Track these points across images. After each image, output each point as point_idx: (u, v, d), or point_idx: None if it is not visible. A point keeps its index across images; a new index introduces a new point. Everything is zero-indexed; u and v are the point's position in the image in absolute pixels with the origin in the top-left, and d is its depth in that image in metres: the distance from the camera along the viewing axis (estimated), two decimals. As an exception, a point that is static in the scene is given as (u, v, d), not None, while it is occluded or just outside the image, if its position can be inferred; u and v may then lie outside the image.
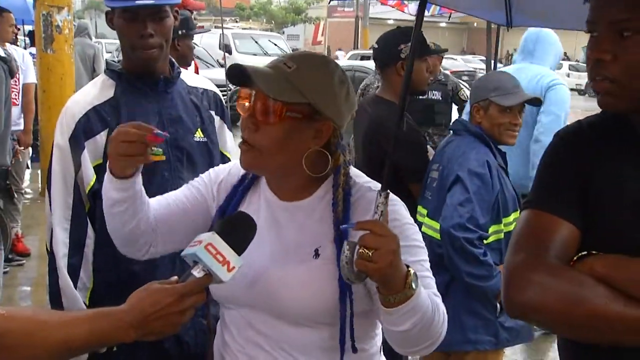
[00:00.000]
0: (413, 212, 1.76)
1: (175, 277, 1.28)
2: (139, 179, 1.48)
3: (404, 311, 1.27)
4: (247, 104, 1.41)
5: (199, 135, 2.11)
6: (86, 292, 2.04)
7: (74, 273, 2.01)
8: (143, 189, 1.51)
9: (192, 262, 1.28)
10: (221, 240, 1.27)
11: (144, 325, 1.23)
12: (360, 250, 1.22)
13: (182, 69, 2.19)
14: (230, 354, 1.51)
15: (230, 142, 2.24)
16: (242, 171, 1.57)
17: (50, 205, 2.02)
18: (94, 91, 2.06)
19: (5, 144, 4.13)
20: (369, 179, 1.52)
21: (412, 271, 1.27)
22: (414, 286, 1.26)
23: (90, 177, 1.98)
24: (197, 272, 1.26)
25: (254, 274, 1.42)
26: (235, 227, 1.33)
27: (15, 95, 5.14)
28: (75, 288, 2.00)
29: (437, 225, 2.60)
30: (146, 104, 2.05)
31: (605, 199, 1.27)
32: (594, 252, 1.24)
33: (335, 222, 1.42)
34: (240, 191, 1.54)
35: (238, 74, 1.39)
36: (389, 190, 1.32)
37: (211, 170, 1.63)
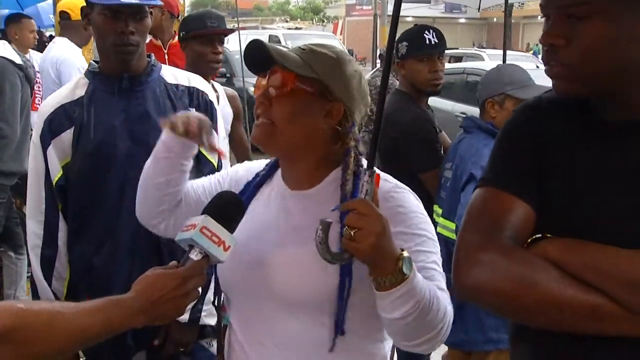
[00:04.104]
0: (427, 205, 1.73)
1: (175, 262, 1.32)
2: (195, 147, 1.56)
3: (397, 295, 1.25)
4: (263, 83, 1.46)
5: None
6: (63, 282, 2.10)
7: (48, 264, 2.07)
8: (191, 163, 1.58)
9: (187, 246, 1.32)
10: (214, 222, 1.31)
11: (152, 310, 1.27)
12: (345, 229, 1.23)
13: (162, 65, 2.18)
14: (233, 353, 1.55)
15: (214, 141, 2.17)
16: (259, 168, 1.60)
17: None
18: (66, 91, 2.12)
19: (24, 150, 4.14)
20: (393, 179, 1.50)
21: (404, 255, 1.25)
22: (405, 270, 1.24)
23: (55, 172, 2.04)
24: (194, 255, 1.31)
25: (257, 258, 1.45)
26: (225, 207, 1.37)
27: (39, 101, 5.18)
28: (52, 278, 2.07)
29: (452, 225, 2.59)
30: (113, 102, 2.07)
31: (558, 180, 1.22)
32: (548, 235, 1.19)
33: (343, 201, 1.42)
34: (253, 187, 1.57)
35: (256, 54, 1.45)
36: (375, 169, 1.29)
37: (234, 166, 1.69)
